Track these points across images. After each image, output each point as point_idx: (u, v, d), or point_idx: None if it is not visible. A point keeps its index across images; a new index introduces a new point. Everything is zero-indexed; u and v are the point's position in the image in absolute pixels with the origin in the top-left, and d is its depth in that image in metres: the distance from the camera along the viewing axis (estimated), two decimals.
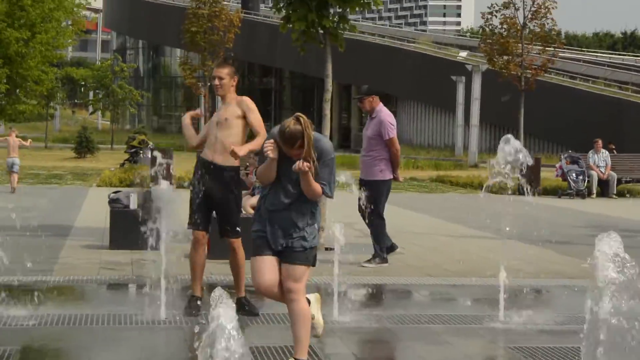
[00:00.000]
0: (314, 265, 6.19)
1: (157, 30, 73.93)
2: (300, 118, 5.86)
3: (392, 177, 11.55)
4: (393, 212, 19.68)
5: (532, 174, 26.47)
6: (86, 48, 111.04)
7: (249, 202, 12.89)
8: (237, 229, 8.34)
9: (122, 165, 29.41)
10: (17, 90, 40.03)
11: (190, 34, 46.22)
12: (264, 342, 7.15)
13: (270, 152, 5.89)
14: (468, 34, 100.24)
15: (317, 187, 5.99)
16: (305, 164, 5.80)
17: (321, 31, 13.47)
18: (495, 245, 13.84)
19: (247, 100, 8.33)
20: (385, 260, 11.62)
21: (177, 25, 50.40)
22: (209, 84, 49.37)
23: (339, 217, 11.16)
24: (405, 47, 64.27)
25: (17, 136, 23.43)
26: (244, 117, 8.22)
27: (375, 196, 11.30)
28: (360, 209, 11.51)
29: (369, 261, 11.56)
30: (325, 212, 12.30)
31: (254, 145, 7.98)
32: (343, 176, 9.63)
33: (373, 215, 11.38)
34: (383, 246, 11.63)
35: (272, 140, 5.93)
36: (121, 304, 8.73)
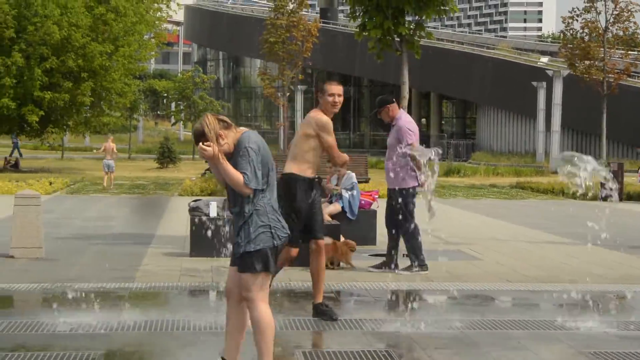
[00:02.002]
0: (263, 270, 5.87)
1: (237, 42, 74.76)
2: (205, 117, 5.84)
3: (415, 184, 11.15)
4: (473, 219, 19.60)
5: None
6: (168, 60, 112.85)
7: (327, 210, 13.01)
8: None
9: (204, 174, 29.79)
10: (102, 103, 40.87)
11: (269, 44, 46.74)
12: (340, 348, 7.19)
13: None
14: (549, 39, 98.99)
15: (237, 174, 5.77)
16: (201, 145, 5.69)
17: (397, 39, 13.51)
18: (576, 251, 13.65)
19: None
20: (424, 268, 11.25)
21: (256, 36, 50.89)
22: (287, 93, 49.72)
23: (421, 225, 11.19)
24: (484, 53, 63.80)
25: (112, 142, 28.56)
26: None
27: (402, 205, 11.18)
28: (387, 219, 11.37)
29: (406, 268, 11.28)
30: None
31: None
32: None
33: (403, 224, 11.17)
34: (419, 253, 11.24)
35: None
36: (200, 310, 8.86)
